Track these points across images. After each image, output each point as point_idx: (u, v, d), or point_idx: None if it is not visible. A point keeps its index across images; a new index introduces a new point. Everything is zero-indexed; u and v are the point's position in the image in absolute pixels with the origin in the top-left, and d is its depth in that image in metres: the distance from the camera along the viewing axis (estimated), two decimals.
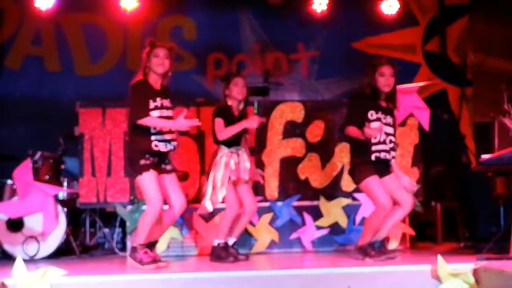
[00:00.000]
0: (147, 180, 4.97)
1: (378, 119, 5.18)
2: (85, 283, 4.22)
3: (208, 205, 5.36)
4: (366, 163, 5.17)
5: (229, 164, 5.37)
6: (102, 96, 7.40)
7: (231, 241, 5.50)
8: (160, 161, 5.09)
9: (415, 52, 8.87)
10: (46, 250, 6.05)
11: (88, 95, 7.61)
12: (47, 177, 6.50)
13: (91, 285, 4.23)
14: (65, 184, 6.73)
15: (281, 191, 6.49)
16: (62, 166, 6.79)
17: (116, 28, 8.42)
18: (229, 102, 5.52)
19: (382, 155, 5.18)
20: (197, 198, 6.35)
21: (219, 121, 5.41)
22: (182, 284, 4.33)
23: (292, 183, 6.55)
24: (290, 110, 6.64)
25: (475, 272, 4.26)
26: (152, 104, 4.99)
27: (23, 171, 6.15)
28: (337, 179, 6.53)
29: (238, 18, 8.77)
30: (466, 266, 4.31)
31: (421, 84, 6.68)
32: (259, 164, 6.37)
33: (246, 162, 5.48)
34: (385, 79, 5.20)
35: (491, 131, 6.03)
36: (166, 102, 5.11)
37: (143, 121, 4.95)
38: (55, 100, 8.08)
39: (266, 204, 6.34)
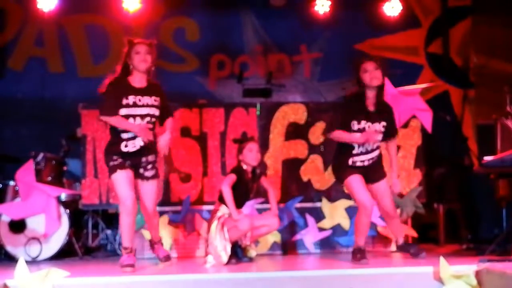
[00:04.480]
0: (115, 180, 4.94)
1: (362, 129, 5.13)
2: (87, 285, 4.22)
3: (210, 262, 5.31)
4: (346, 164, 5.21)
5: (224, 228, 5.36)
6: None
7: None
8: (134, 164, 5.00)
9: (418, 54, 8.88)
10: (48, 252, 6.06)
11: (91, 97, 7.58)
12: (49, 178, 6.51)
13: (93, 286, 4.22)
14: (67, 185, 6.74)
15: (284, 193, 6.49)
16: (65, 168, 6.80)
17: (118, 30, 8.42)
18: (244, 167, 5.57)
19: (359, 163, 5.19)
20: (200, 200, 6.36)
21: (231, 176, 5.45)
22: (184, 286, 4.32)
23: (294, 185, 6.55)
24: (293, 112, 6.64)
25: (478, 274, 4.25)
26: (124, 102, 4.93)
27: (26, 173, 6.14)
28: None
29: (241, 19, 8.78)
30: (468, 268, 4.30)
31: (423, 86, 6.66)
32: (261, 166, 6.37)
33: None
34: (369, 74, 5.17)
35: (494, 133, 6.02)
36: (147, 99, 4.99)
37: (105, 118, 4.94)
38: (58, 101, 8.10)
39: (269, 205, 6.33)
